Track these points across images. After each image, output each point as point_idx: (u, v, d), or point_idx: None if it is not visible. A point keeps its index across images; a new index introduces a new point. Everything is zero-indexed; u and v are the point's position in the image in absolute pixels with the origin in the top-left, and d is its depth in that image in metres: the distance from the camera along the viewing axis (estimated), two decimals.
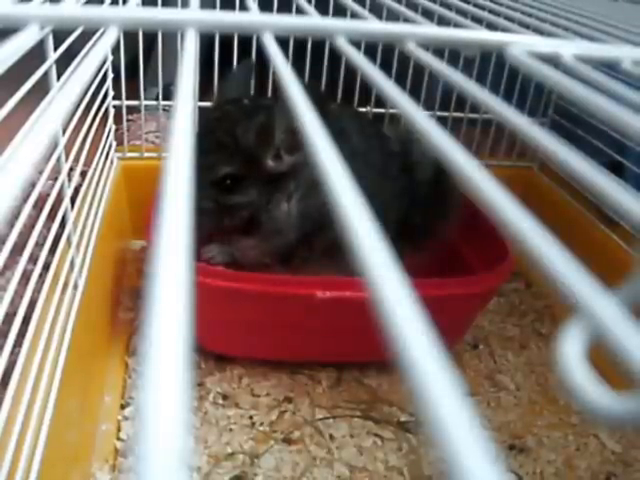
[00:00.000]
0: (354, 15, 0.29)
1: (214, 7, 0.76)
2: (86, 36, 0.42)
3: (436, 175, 0.62)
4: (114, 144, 0.72)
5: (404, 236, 0.54)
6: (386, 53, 0.73)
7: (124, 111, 0.74)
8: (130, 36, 0.64)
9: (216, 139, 0.54)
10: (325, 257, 0.57)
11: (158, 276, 0.09)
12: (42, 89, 0.37)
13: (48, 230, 0.41)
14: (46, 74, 0.39)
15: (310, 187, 0.55)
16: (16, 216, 0.32)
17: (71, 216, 0.46)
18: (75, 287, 0.48)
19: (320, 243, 0.57)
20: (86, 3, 0.31)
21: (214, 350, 0.61)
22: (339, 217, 0.12)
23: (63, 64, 0.40)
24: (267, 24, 0.22)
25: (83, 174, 0.53)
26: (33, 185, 0.36)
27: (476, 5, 0.35)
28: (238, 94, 0.59)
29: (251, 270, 0.56)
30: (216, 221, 0.55)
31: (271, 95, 0.73)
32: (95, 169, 0.59)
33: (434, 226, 0.64)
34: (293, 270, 0.58)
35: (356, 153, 0.56)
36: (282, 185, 0.55)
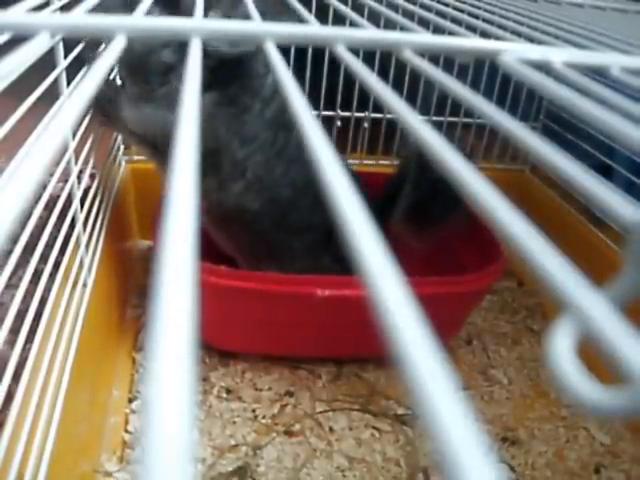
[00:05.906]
0: (353, 24, 0.30)
1: None
2: (95, 43, 0.42)
3: None
4: (122, 147, 0.73)
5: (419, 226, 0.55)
6: (384, 60, 0.73)
7: None
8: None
9: None
10: None
11: (164, 275, 0.09)
12: (53, 95, 0.38)
13: (58, 230, 0.42)
14: (56, 80, 0.39)
15: None
16: (27, 217, 0.33)
17: (80, 217, 0.47)
18: (84, 285, 0.49)
19: None
20: (94, 12, 0.32)
21: (218, 346, 0.62)
22: (339, 220, 0.12)
23: (73, 71, 0.40)
24: (269, 33, 0.23)
25: (92, 176, 0.54)
26: (44, 187, 0.37)
27: (470, 14, 0.36)
28: None
29: None
30: None
31: None
32: (104, 171, 0.59)
33: (452, 217, 0.61)
34: None
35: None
36: None
